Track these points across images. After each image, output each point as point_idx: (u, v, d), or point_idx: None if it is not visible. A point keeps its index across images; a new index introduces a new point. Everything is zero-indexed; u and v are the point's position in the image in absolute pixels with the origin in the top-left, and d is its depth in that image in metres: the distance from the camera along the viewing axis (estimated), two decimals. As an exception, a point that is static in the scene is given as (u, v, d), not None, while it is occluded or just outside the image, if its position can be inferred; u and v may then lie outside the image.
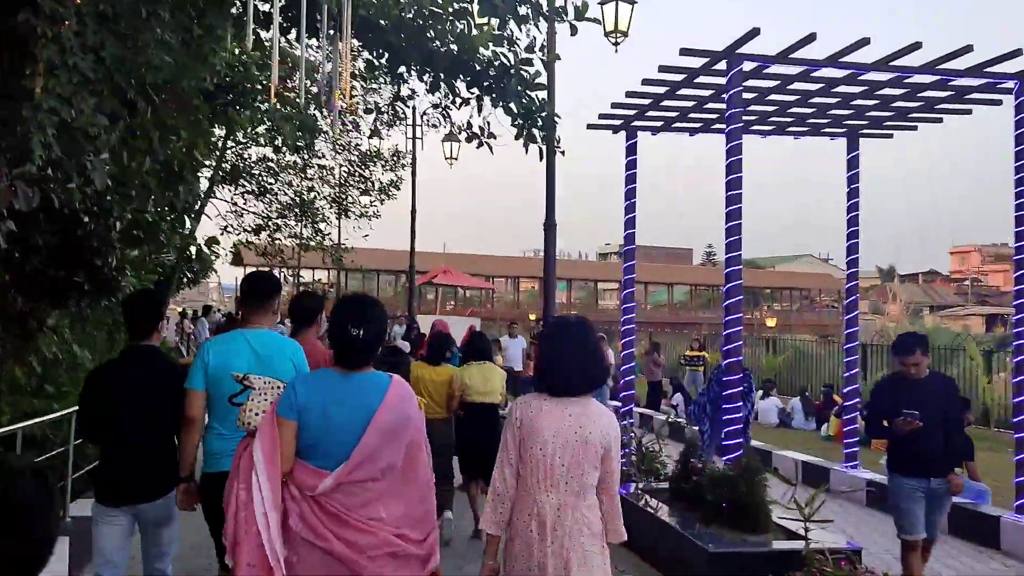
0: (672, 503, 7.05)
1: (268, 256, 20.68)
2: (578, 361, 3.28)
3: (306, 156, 18.56)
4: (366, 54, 9.62)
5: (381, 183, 19.98)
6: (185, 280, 39.33)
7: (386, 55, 7.68)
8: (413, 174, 19.26)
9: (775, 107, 8.79)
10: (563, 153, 8.20)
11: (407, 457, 3.09)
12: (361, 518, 2.98)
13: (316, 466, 3.01)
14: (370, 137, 19.15)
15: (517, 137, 7.64)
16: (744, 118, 7.96)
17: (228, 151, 17.13)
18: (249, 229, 19.22)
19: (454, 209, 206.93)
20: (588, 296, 76.55)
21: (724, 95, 7.53)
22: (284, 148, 17.47)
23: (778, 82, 8.04)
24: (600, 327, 26.32)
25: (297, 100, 12.04)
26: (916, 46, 7.21)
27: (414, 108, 19.74)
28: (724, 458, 7.19)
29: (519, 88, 7.38)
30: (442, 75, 7.63)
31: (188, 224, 19.12)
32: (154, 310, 4.47)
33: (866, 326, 49.05)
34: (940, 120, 9.12)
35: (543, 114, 7.68)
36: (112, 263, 8.90)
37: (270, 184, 19.12)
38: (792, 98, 8.49)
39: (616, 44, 10.92)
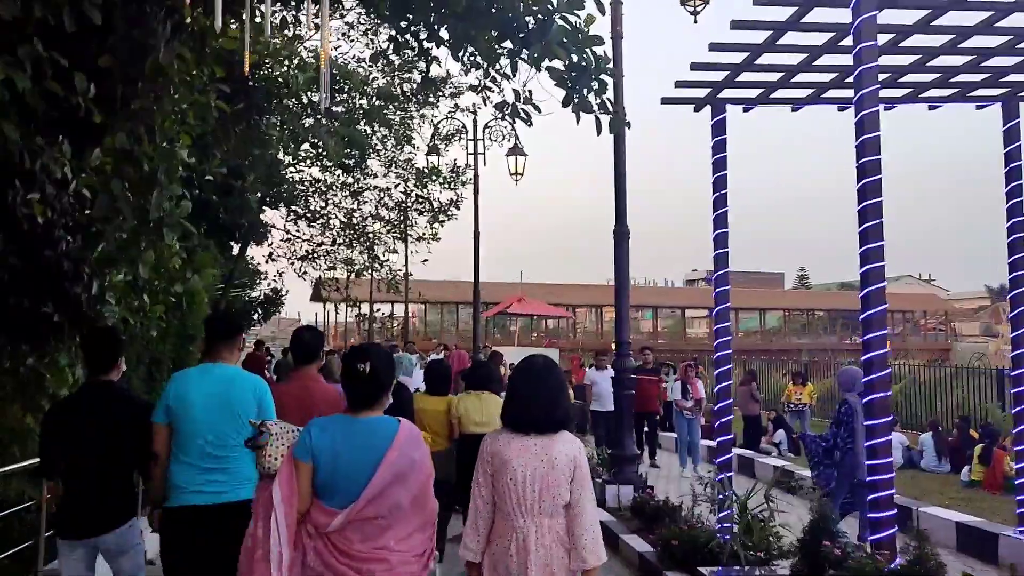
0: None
1: (341, 291, 19.34)
2: (542, 401, 3.43)
3: (357, 175, 17.06)
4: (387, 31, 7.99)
5: (440, 203, 18.33)
6: (256, 317, 38.52)
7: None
8: (475, 192, 17.49)
9: (911, 61, 6.68)
10: (628, 125, 6.27)
11: (414, 497, 3.28)
12: (369, 549, 3.20)
13: (327, 505, 3.21)
14: (428, 154, 17.52)
15: (566, 103, 5.77)
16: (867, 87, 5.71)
17: (283, 171, 15.72)
18: (300, 257, 17.84)
19: (531, 237, 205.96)
20: (676, 324, 73.89)
21: (841, 46, 5.50)
22: (331, 166, 16.05)
23: (918, 23, 5.97)
24: (689, 356, 24.17)
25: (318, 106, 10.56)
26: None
27: (475, 121, 18.06)
28: (871, 537, 5.08)
29: (563, 40, 5.53)
30: (463, 30, 5.87)
31: (233, 248, 17.85)
32: (112, 346, 4.51)
33: (971, 350, 45.20)
34: None
35: (600, 75, 5.79)
36: (92, 290, 7.40)
37: (320, 208, 17.69)
38: (938, 41, 6.35)
39: (695, 13, 9.00)
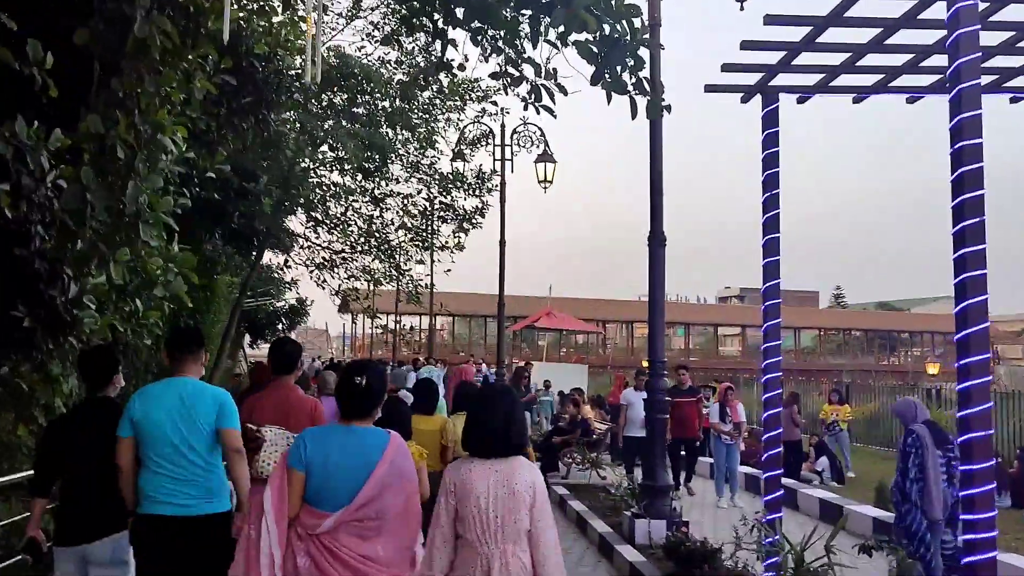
0: None
1: (362, 302, 18.64)
2: (500, 427, 3.48)
3: (378, 180, 16.29)
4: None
5: (464, 210, 17.48)
6: (281, 327, 37.78)
7: None
8: (502, 199, 16.65)
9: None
10: (668, 110, 5.39)
11: (402, 504, 3.48)
12: (358, 556, 3.36)
13: (318, 510, 3.39)
14: (453, 159, 16.73)
15: (595, 81, 4.92)
16: (965, 57, 4.59)
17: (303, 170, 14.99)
18: (317, 264, 17.11)
19: (560, 252, 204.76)
20: (707, 342, 72.63)
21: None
22: (351, 170, 15.31)
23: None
24: (724, 375, 23.19)
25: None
26: None
27: (502, 126, 17.26)
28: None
29: (591, 7, 4.68)
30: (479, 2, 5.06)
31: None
32: (107, 363, 4.72)
33: (1017, 374, 43.42)
34: None
35: (636, 49, 4.93)
36: (69, 293, 6.68)
37: (340, 214, 16.94)
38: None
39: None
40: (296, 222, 17.32)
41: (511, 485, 3.40)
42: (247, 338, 38.49)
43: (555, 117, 5.93)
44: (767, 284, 6.75)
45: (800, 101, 6.87)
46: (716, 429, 11.85)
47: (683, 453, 12.40)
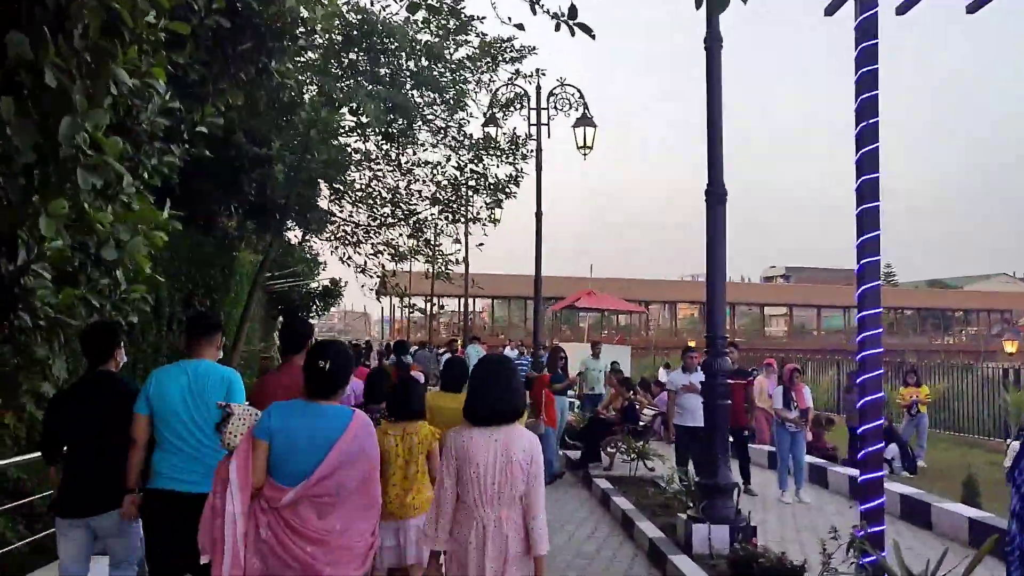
0: None
1: (388, 280, 17.58)
2: (495, 394, 3.68)
3: (403, 145, 15.04)
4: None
5: (497, 179, 16.18)
6: (315, 308, 36.90)
7: None
8: (538, 167, 15.25)
9: None
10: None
11: (360, 481, 3.56)
12: (316, 529, 3.47)
13: (279, 483, 3.48)
14: (484, 124, 15.43)
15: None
16: None
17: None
18: (337, 237, 15.96)
19: (600, 229, 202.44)
20: (753, 323, 70.76)
21: None
22: (373, 133, 14.07)
23: None
24: (772, 354, 21.68)
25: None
26: None
27: (538, 87, 15.91)
28: None
29: None
30: None
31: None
32: (108, 339, 4.86)
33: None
34: None
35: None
36: (18, 260, 5.73)
37: (364, 185, 15.75)
38: None
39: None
40: (322, 199, 16.23)
41: (510, 454, 3.57)
42: (280, 321, 37.67)
43: (593, 37, 5.00)
44: (865, 262, 5.40)
45: (900, 11, 5.50)
46: (780, 416, 10.48)
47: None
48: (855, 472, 11.82)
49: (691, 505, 7.44)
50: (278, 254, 29.11)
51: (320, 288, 39.56)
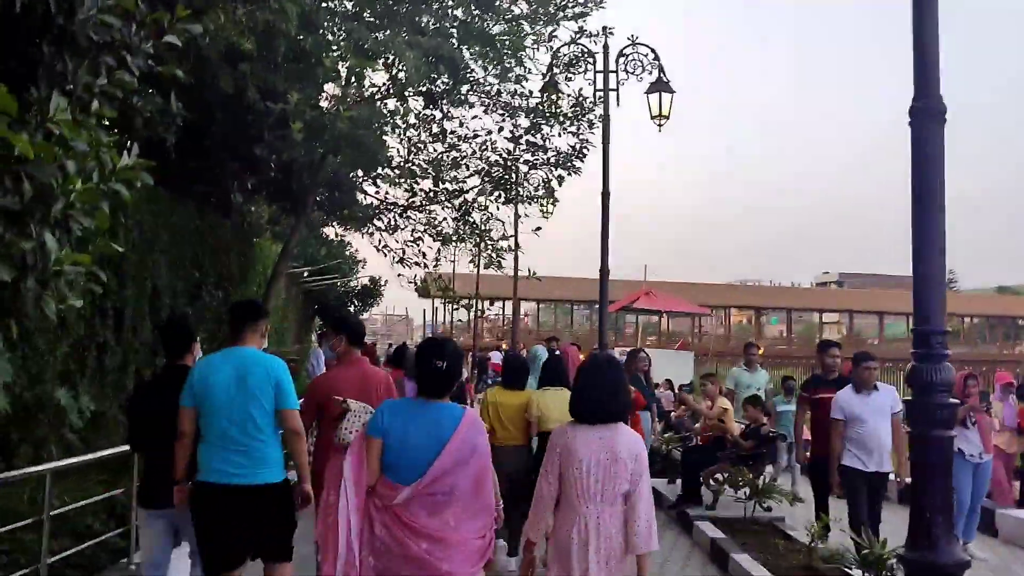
0: None
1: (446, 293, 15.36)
2: (606, 396, 3.78)
3: (447, 108, 12.69)
4: None
5: (558, 152, 13.74)
6: (353, 309, 34.52)
7: None
8: (605, 140, 12.76)
9: None
10: None
11: (473, 480, 3.56)
12: (430, 527, 3.46)
13: (393, 481, 3.50)
14: (543, 90, 13.00)
15: None
16: None
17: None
18: (368, 219, 13.66)
19: (651, 233, 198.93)
20: (807, 331, 67.48)
21: None
22: (412, 92, 11.73)
23: None
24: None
25: None
26: None
27: (605, 47, 13.44)
28: None
29: None
30: None
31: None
32: (184, 335, 4.99)
33: None
34: None
35: None
36: None
37: (403, 160, 13.41)
38: None
39: None
40: (353, 176, 13.92)
41: (615, 452, 3.66)
42: (317, 321, 35.58)
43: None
44: None
45: None
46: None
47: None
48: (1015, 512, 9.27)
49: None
50: (317, 251, 27.16)
51: (359, 287, 37.50)
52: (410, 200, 14.20)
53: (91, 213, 4.57)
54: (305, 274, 27.34)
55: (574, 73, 13.18)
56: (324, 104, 11.58)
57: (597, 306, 29.53)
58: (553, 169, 13.80)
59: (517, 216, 16.40)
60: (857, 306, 62.79)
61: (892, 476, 7.45)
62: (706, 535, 7.69)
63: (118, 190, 4.66)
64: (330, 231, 22.51)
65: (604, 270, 13.09)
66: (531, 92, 13.23)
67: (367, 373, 5.33)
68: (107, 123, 6.32)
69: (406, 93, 11.81)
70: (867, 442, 6.78)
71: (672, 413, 15.39)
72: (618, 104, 13.59)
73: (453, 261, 16.58)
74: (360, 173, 14.32)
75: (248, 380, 4.31)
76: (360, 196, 14.86)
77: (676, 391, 17.08)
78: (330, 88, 12.09)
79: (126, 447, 5.81)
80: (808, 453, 8.00)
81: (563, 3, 13.45)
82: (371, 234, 15.23)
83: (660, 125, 13.15)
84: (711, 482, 8.74)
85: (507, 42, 12.32)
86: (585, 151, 13.67)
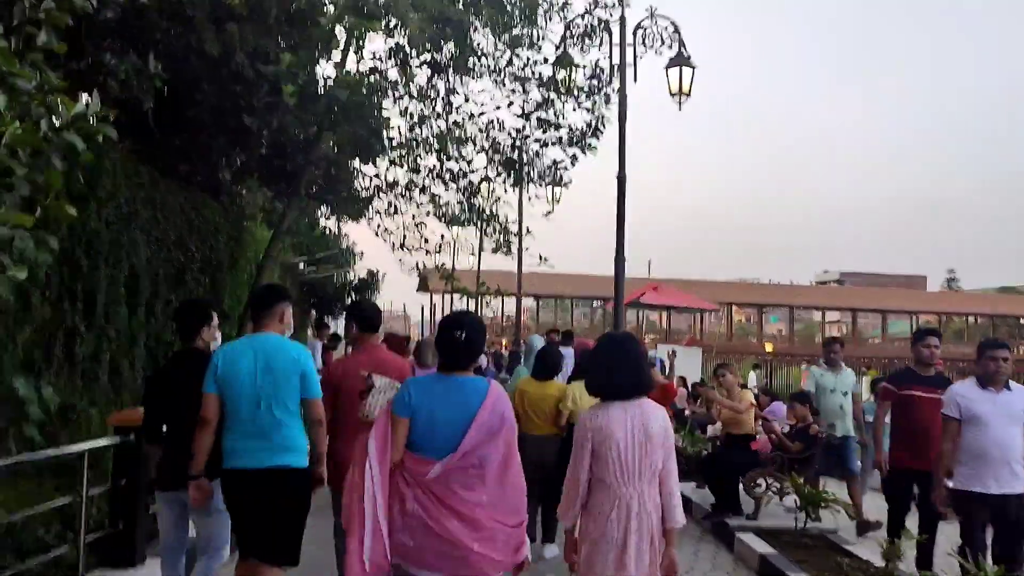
0: None
1: (449, 281, 14.45)
2: (632, 371, 3.76)
3: (451, 80, 11.71)
4: None
5: (572, 129, 12.77)
6: (350, 302, 33.67)
7: None
8: (622, 117, 11.82)
9: None
10: None
11: (504, 454, 3.52)
12: (463, 502, 3.43)
13: (424, 457, 3.46)
14: (556, 63, 12.05)
15: None
16: None
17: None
18: (365, 200, 12.71)
19: (654, 227, 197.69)
20: (807, 329, 66.71)
21: None
22: (415, 60, 10.76)
23: None
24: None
25: None
26: None
27: (622, 19, 12.49)
28: None
29: None
30: None
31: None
32: (196, 317, 4.94)
33: None
34: None
35: None
36: None
37: (405, 138, 12.42)
38: None
39: None
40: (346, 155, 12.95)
41: (647, 429, 3.62)
42: (313, 314, 34.47)
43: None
44: None
45: None
46: None
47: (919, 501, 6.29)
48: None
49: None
50: (312, 242, 26.19)
51: (356, 280, 36.33)
52: (411, 180, 13.24)
53: (36, 166, 3.74)
54: (301, 266, 26.45)
55: (588, 46, 12.24)
56: (320, 73, 10.63)
57: (596, 303, 28.55)
58: (567, 148, 12.84)
59: (521, 204, 15.48)
60: (860, 304, 62.06)
61: None
62: (753, 550, 6.74)
63: (72, 142, 3.80)
64: (328, 223, 21.58)
65: (620, 259, 12.20)
66: (545, 59, 12.25)
67: (381, 359, 5.22)
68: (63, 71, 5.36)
69: (409, 60, 10.83)
70: (988, 452, 5.27)
71: (686, 411, 14.57)
72: (635, 80, 12.65)
73: (453, 252, 15.62)
74: (359, 153, 13.39)
75: (273, 366, 4.27)
76: (359, 179, 13.90)
77: (689, 388, 16.22)
78: (327, 65, 11.21)
79: (88, 444, 5.67)
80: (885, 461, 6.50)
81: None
82: (370, 219, 14.27)
83: (680, 103, 12.28)
84: (754, 488, 7.77)
85: (518, 6, 11.33)
86: (601, 128, 12.70)
